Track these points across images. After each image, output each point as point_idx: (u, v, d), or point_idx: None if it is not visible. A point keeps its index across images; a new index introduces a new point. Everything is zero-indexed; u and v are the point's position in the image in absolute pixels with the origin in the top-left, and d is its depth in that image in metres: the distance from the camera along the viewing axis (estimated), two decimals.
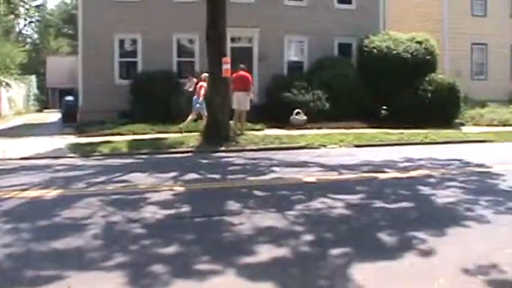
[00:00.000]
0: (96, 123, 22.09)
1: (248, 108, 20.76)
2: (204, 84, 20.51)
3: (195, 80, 22.25)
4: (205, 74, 20.13)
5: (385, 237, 7.41)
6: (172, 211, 8.80)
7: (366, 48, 26.03)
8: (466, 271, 6.06)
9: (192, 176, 12.43)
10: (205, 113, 20.21)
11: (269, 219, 8.26)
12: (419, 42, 26.15)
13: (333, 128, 21.97)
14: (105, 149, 17.04)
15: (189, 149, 17.41)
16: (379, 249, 6.88)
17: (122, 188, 10.83)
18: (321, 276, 5.94)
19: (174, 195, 10.13)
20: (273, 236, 7.41)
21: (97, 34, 24.81)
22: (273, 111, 23.56)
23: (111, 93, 24.11)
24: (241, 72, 20.82)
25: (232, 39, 25.80)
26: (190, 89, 22.67)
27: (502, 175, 12.28)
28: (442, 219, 8.36)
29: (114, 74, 25.67)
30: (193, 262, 6.33)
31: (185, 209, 9.06)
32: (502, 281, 5.87)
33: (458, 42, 32.42)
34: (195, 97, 21.32)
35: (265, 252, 6.65)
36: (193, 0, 23.97)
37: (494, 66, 33.94)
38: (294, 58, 27.92)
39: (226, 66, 18.79)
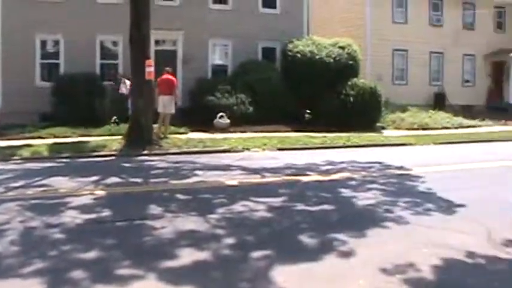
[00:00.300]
0: (17, 126, 21.42)
1: (173, 111, 20.60)
2: None
3: (128, 82, 21.79)
4: None
5: (306, 239, 7.48)
6: (93, 215, 8.65)
7: (289, 53, 26.23)
8: (385, 271, 6.20)
9: (114, 179, 12.24)
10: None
11: (191, 222, 8.23)
12: (342, 48, 26.55)
13: (256, 131, 22.04)
14: (26, 153, 16.57)
15: (112, 153, 17.12)
16: (300, 252, 6.94)
17: (41, 193, 10.56)
18: (242, 279, 5.96)
19: (95, 199, 9.95)
20: (195, 239, 7.38)
21: (17, 34, 24.10)
22: (196, 114, 23.45)
23: (32, 96, 23.46)
24: (167, 76, 20.63)
25: (157, 42, 25.58)
26: (125, 92, 22.35)
27: (421, 177, 12.62)
28: (362, 220, 8.52)
29: (35, 75, 24.99)
30: (114, 267, 6.24)
31: (106, 213, 8.92)
32: (418, 279, 6.03)
33: (380, 48, 33.10)
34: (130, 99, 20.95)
35: (187, 256, 6.62)
36: (117, 2, 23.67)
37: (414, 72, 34.80)
38: (218, 61, 27.89)
39: (150, 69, 18.61)
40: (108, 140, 18.82)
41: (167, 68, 21.19)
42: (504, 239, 7.59)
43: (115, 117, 21.68)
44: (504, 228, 8.19)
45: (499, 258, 6.84)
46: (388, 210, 9.18)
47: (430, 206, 9.59)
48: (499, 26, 38.99)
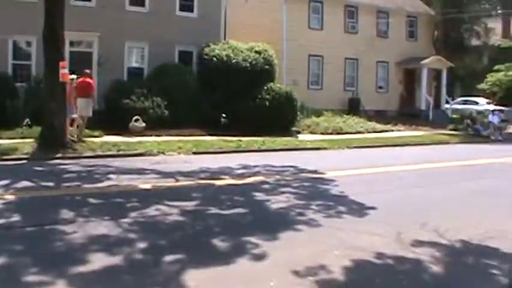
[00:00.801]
0: None
1: (90, 114, 20.16)
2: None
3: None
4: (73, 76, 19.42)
5: (219, 243, 7.46)
6: (1, 221, 8.33)
7: (206, 57, 26.15)
8: (297, 273, 6.25)
9: (25, 184, 11.84)
10: (72, 116, 19.46)
11: (103, 227, 8.06)
12: (259, 52, 26.68)
13: (172, 135, 21.83)
14: None
15: (23, 156, 16.55)
16: (213, 255, 6.91)
17: None
18: (153, 284, 5.89)
19: (4, 204, 9.57)
20: (106, 244, 7.23)
21: None
22: (112, 117, 22.97)
23: None
24: (84, 78, 20.17)
25: (72, 43, 24.95)
26: None
27: (334, 181, 12.81)
28: (275, 224, 8.55)
29: None
30: (21, 274, 6.03)
31: (15, 218, 8.62)
32: (329, 280, 6.10)
33: (296, 53, 33.42)
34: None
35: (98, 261, 6.48)
36: (31, 1, 22.96)
37: (329, 77, 35.33)
38: (135, 64, 27.47)
39: (64, 71, 18.12)
40: (20, 143, 18.18)
41: (86, 71, 20.74)
42: (412, 240, 7.80)
43: (27, 120, 21.02)
44: (412, 229, 8.41)
45: (406, 258, 7.03)
46: (300, 214, 9.26)
47: (342, 209, 9.74)
48: (411, 34, 40.13)
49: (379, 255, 7.02)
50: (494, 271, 6.76)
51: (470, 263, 7.15)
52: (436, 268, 6.71)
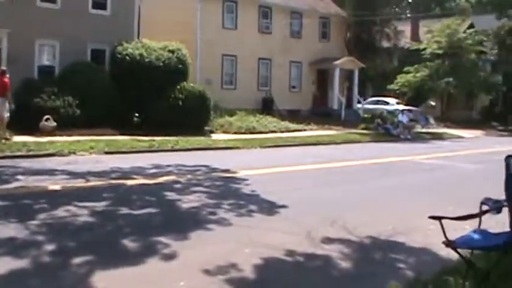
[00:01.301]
0: None
1: (7, 114, 19.55)
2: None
3: None
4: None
5: (129, 243, 7.34)
6: None
7: (119, 55, 25.71)
8: (207, 272, 6.21)
9: None
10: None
11: (10, 229, 7.77)
12: (172, 51, 26.46)
13: (84, 134, 21.35)
14: None
15: None
16: (123, 256, 6.80)
17: None
18: (61, 286, 5.75)
19: None
20: (13, 247, 6.98)
21: None
22: (22, 117, 22.26)
23: None
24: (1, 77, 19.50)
25: None
26: None
27: (246, 180, 12.85)
28: (186, 223, 8.49)
29: None
30: None
31: None
32: (239, 279, 6.09)
33: (210, 52, 33.39)
34: None
35: (4, 265, 6.23)
36: None
37: (243, 77, 35.52)
38: (46, 62, 26.74)
39: None
40: None
41: (3, 68, 20.08)
42: (322, 237, 7.88)
43: None
44: (323, 226, 8.50)
45: (316, 255, 7.10)
46: (212, 213, 9.22)
47: (253, 207, 9.76)
48: (324, 35, 40.82)
49: (290, 253, 7.06)
50: (401, 265, 6.91)
51: (378, 258, 7.29)
52: (344, 264, 6.81)
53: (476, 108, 52.18)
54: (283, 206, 9.91)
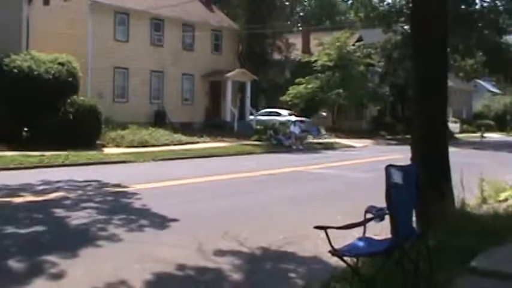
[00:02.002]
0: None
1: None
2: None
3: None
4: None
5: (15, 264, 7.12)
6: None
7: (6, 67, 24.80)
8: None
9: None
10: None
11: None
12: (62, 64, 25.81)
13: None
14: None
15: None
16: (8, 277, 6.60)
17: None
18: None
19: None
20: None
21: None
22: None
23: None
24: None
25: None
26: None
27: (138, 194, 12.72)
28: (75, 240, 8.32)
29: None
30: None
31: None
32: None
33: (101, 65, 32.81)
34: None
35: None
36: None
37: (135, 90, 35.13)
38: None
39: None
40: None
41: None
42: (214, 250, 7.91)
43: None
44: (214, 238, 8.53)
45: (207, 268, 7.12)
46: (102, 229, 9.07)
47: (144, 222, 9.68)
48: (216, 48, 41.05)
49: (181, 267, 7.05)
50: (292, 274, 7.05)
51: (269, 268, 7.39)
52: (236, 276, 6.87)
53: (365, 118, 53.83)
54: (175, 220, 9.88)
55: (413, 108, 9.02)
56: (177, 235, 8.81)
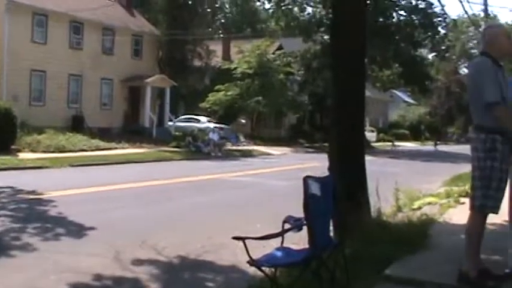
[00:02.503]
0: None
1: None
2: None
3: None
4: None
5: None
6: None
7: None
8: None
9: None
10: None
11: None
12: None
13: None
14: None
15: None
16: None
17: None
18: None
19: None
20: None
21: None
22: None
23: None
24: None
25: None
26: None
27: (54, 201, 12.43)
28: None
29: None
30: None
31: None
32: None
33: (17, 67, 31.86)
34: None
35: None
36: None
37: (52, 94, 34.30)
38: None
39: None
40: None
41: None
42: (131, 259, 7.81)
43: None
44: (132, 247, 8.43)
45: (125, 278, 7.03)
46: (15, 238, 8.82)
47: (60, 230, 9.47)
48: (136, 53, 40.64)
49: (98, 277, 6.93)
50: (210, 284, 7.05)
51: (187, 278, 7.35)
52: (154, 286, 6.80)
53: (284, 126, 54.39)
54: (92, 228, 9.71)
55: (331, 118, 9.19)
56: (94, 244, 8.65)
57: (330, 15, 41.50)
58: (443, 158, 36.22)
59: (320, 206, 5.30)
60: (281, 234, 5.53)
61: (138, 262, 7.72)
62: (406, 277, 5.95)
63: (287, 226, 5.61)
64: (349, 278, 5.51)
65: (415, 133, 75.29)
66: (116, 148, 29.71)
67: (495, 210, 5.57)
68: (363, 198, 8.31)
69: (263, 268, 5.29)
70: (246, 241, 5.15)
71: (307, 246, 6.53)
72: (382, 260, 6.42)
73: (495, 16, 63.92)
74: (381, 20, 41.75)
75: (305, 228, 5.38)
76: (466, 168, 24.74)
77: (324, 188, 5.42)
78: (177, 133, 37.71)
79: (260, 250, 5.46)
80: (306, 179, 5.27)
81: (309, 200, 5.14)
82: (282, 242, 5.60)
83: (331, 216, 5.59)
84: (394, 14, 44.14)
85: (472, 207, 5.60)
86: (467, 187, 13.76)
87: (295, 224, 5.59)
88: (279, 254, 5.43)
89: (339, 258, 5.48)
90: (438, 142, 58.34)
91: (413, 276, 5.96)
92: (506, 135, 5.42)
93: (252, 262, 5.13)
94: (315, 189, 5.30)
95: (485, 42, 5.78)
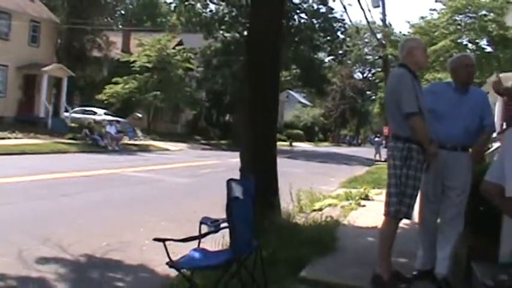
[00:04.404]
0: None
1: None
2: None
3: None
4: None
5: None
6: None
7: None
8: None
9: None
10: None
11: None
12: None
13: None
14: None
15: None
16: None
17: None
18: None
19: None
20: None
21: None
22: None
23: None
24: None
25: None
26: None
27: None
28: None
29: None
30: None
31: None
32: None
33: None
34: None
35: None
36: None
37: None
38: None
39: None
40: None
41: None
42: (36, 257, 7.51)
43: None
44: (35, 245, 8.12)
45: (30, 277, 6.75)
46: None
47: None
48: (34, 40, 39.16)
49: (1, 277, 6.62)
50: (120, 284, 6.88)
51: (95, 277, 7.14)
52: (61, 286, 6.55)
53: (181, 122, 54.26)
54: None
55: (245, 119, 9.19)
56: None
57: (233, 14, 42.05)
58: (338, 160, 37.21)
59: (242, 208, 5.30)
60: (201, 237, 5.50)
61: (43, 260, 7.43)
62: (320, 279, 6.06)
63: (204, 227, 5.57)
64: (266, 281, 5.55)
65: (309, 134, 76.96)
66: (8, 138, 28.54)
67: (408, 216, 5.77)
68: (275, 200, 8.41)
69: (182, 270, 5.24)
70: (153, 241, 5.15)
71: (221, 247, 6.59)
72: (296, 262, 6.52)
73: (390, 25, 66.34)
74: (283, 21, 42.34)
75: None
76: (360, 170, 25.68)
77: (245, 191, 5.43)
78: (73, 125, 36.84)
79: (170, 249, 5.32)
80: (229, 182, 5.27)
81: (231, 203, 5.14)
82: (199, 244, 5.55)
83: (251, 219, 5.60)
84: (296, 17, 44.89)
85: (387, 213, 5.77)
86: (365, 190, 14.29)
87: (213, 225, 5.57)
88: (197, 255, 5.37)
89: (257, 261, 5.50)
90: (293, 143, 58.52)
91: (328, 279, 6.08)
92: (422, 145, 5.61)
93: (172, 264, 5.07)
94: (238, 192, 5.30)
95: (403, 55, 5.97)
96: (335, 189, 16.76)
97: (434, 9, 29.35)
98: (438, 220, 6.26)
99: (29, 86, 38.50)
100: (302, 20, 45.07)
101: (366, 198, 13.63)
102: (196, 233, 5.47)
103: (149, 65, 44.79)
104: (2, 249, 7.82)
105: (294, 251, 6.84)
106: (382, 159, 34.93)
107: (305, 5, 45.18)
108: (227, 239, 6.17)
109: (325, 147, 62.85)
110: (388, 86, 6.16)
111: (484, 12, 26.86)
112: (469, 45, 27.21)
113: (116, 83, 43.82)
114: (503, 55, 25.24)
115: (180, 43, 49.13)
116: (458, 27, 27.48)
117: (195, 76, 50.59)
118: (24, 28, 37.87)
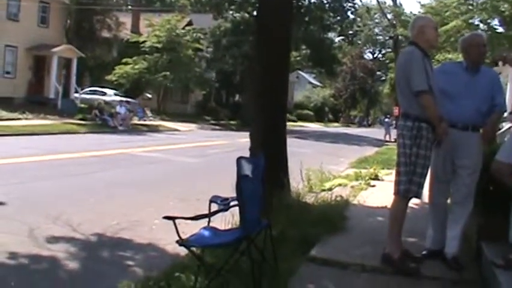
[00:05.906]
0: None
1: None
2: None
3: None
4: None
5: None
6: None
7: None
8: None
9: None
10: None
11: None
12: None
13: None
14: None
15: None
16: None
17: None
18: None
19: None
20: None
21: None
22: None
23: None
24: None
25: None
26: None
27: None
28: None
29: None
30: None
31: None
32: None
33: None
34: None
35: None
36: None
37: None
38: None
39: None
40: None
41: None
42: (47, 236, 7.57)
43: None
44: (46, 224, 8.18)
45: (42, 256, 6.79)
46: None
47: None
48: (43, 21, 39.06)
49: (12, 255, 6.65)
50: (130, 262, 6.89)
51: (105, 256, 7.17)
52: (72, 265, 6.59)
53: (191, 102, 54.22)
54: (1, 203, 9.33)
55: (256, 100, 9.16)
56: (5, 220, 8.26)
57: None
58: (348, 140, 37.13)
59: (251, 187, 5.30)
60: (211, 215, 5.50)
61: (54, 239, 7.48)
62: (330, 258, 6.07)
63: (213, 205, 5.58)
64: (276, 259, 5.56)
65: (319, 114, 76.81)
66: (19, 119, 28.63)
67: (418, 195, 5.76)
68: (285, 180, 8.41)
69: (192, 248, 5.25)
70: (162, 220, 5.16)
71: (231, 226, 6.60)
72: (306, 241, 6.53)
73: (401, 5, 65.86)
74: (292, 1, 42.11)
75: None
76: (370, 151, 25.64)
77: (255, 169, 5.43)
78: (82, 105, 36.87)
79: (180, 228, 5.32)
80: (239, 160, 5.27)
81: (241, 180, 5.13)
82: (209, 222, 5.56)
83: (261, 197, 5.60)
84: None
85: (397, 192, 5.75)
86: (374, 170, 14.24)
87: (223, 204, 5.58)
88: (207, 233, 5.38)
89: (266, 239, 5.51)
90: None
91: (337, 258, 6.08)
92: (431, 123, 5.58)
93: (182, 242, 5.08)
94: (248, 170, 5.30)
95: (414, 33, 5.92)
96: (345, 170, 16.75)
97: None
98: (448, 200, 6.24)
99: (38, 67, 38.51)
100: (312, 0, 44.81)
101: (376, 178, 13.60)
102: (206, 212, 5.47)
103: (159, 46, 44.62)
104: (13, 227, 7.89)
105: (303, 229, 6.83)
106: (392, 140, 34.89)
107: None
108: (237, 218, 6.20)
109: (334, 128, 62.65)
110: (399, 64, 6.12)
111: None
112: (481, 25, 26.95)
113: (126, 64, 43.70)
114: None
115: (189, 23, 48.93)
116: (470, 7, 27.20)
117: (205, 56, 50.44)
118: (33, 9, 37.74)
